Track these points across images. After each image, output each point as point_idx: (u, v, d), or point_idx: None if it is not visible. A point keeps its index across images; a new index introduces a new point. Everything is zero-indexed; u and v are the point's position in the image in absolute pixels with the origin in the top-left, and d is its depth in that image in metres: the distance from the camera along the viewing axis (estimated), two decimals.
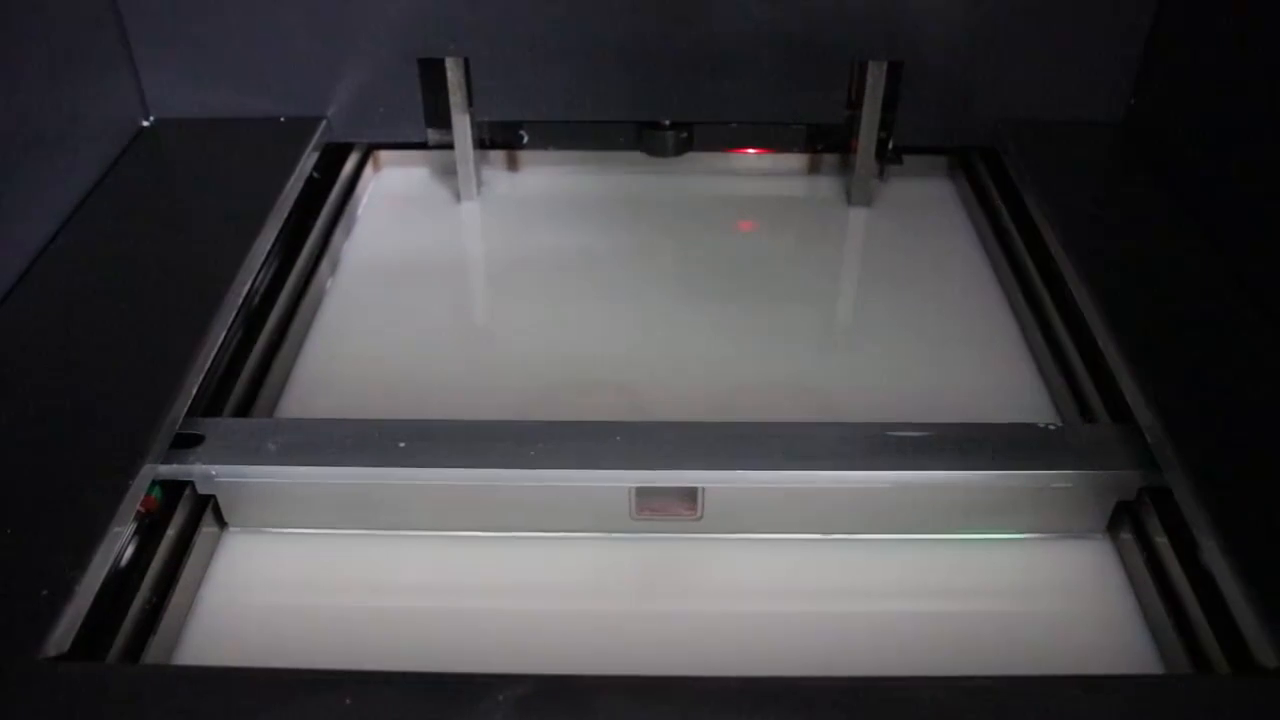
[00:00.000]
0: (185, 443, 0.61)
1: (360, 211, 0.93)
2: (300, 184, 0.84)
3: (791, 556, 0.62)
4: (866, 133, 0.90)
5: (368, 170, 0.96)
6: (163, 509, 0.60)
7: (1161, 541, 0.59)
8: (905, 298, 0.82)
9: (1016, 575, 0.62)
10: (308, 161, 0.86)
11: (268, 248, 0.76)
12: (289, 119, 0.89)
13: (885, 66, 0.87)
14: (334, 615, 0.59)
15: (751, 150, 0.97)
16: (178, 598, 0.57)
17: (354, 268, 0.86)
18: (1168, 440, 0.59)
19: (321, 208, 0.88)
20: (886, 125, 0.91)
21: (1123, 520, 0.62)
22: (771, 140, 0.96)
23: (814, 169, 0.98)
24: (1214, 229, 0.75)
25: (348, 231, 0.90)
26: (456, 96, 0.89)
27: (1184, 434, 0.59)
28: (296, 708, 0.46)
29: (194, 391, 0.63)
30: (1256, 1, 0.72)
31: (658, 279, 0.85)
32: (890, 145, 0.93)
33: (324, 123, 0.89)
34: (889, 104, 0.90)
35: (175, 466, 0.60)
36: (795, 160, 0.97)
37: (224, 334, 0.68)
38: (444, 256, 0.90)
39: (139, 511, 0.57)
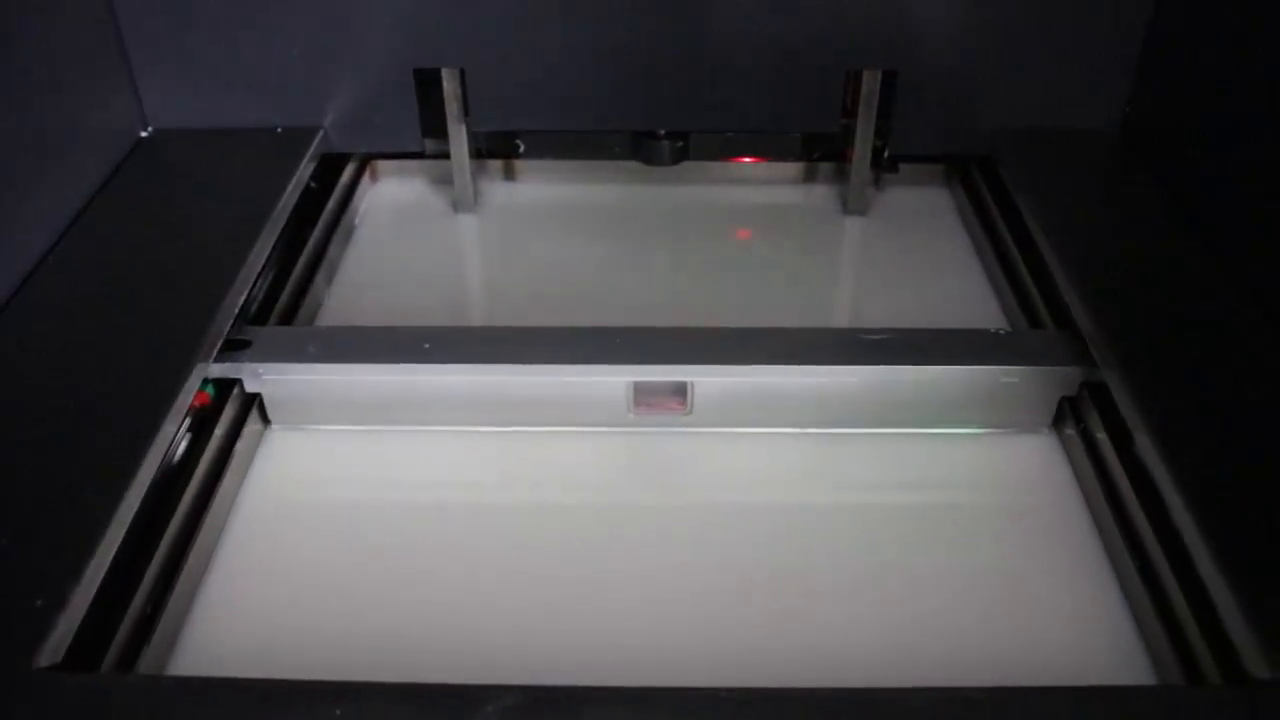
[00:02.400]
0: (234, 346, 0.69)
1: (357, 221, 0.93)
2: (298, 193, 0.84)
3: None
4: (862, 141, 0.90)
5: (365, 180, 0.97)
6: (214, 406, 0.67)
7: (1101, 436, 0.65)
8: (900, 304, 0.83)
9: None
10: (305, 171, 0.86)
11: (265, 256, 0.76)
12: (286, 129, 0.90)
13: (880, 75, 0.88)
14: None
15: (747, 159, 0.97)
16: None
17: (351, 276, 0.87)
18: (1104, 341, 0.66)
19: (319, 217, 0.88)
20: (882, 134, 0.91)
21: (1066, 416, 0.69)
22: (767, 149, 0.97)
23: (810, 177, 0.98)
24: (1211, 234, 0.75)
25: (345, 241, 0.90)
26: (452, 107, 0.89)
27: (1118, 336, 0.66)
28: (287, 719, 0.46)
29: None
30: (1252, 7, 0.73)
31: (654, 287, 0.85)
32: (886, 153, 0.93)
33: (321, 133, 0.90)
34: (884, 112, 0.90)
35: (225, 365, 0.67)
36: (791, 169, 0.98)
37: (219, 343, 0.68)
38: (441, 265, 0.90)
39: (193, 406, 0.64)
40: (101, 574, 0.53)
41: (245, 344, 0.69)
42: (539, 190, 0.98)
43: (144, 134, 0.89)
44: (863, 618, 0.59)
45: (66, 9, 0.79)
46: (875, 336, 0.69)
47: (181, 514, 0.61)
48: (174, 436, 0.62)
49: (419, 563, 0.62)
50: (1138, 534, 0.60)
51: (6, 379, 0.64)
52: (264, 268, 0.77)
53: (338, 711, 0.45)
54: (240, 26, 0.86)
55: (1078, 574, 0.61)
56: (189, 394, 0.63)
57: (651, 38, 0.86)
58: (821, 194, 0.97)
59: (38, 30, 0.75)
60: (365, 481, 0.68)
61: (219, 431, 0.66)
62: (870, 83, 0.88)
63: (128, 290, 0.71)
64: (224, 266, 0.72)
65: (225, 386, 0.68)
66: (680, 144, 0.94)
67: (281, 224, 0.80)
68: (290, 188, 0.82)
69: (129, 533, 0.56)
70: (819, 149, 0.96)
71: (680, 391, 0.68)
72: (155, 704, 0.48)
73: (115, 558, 0.54)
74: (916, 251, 0.90)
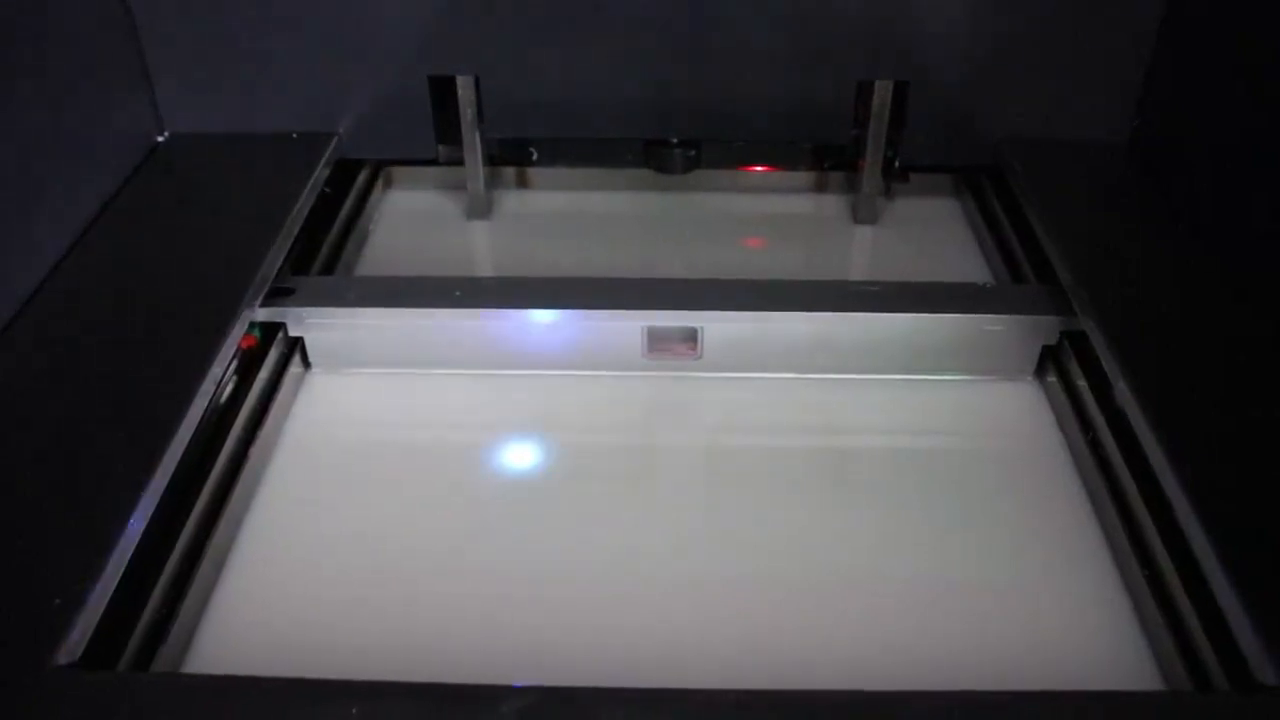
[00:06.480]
0: (279, 293, 0.74)
1: (371, 227, 0.94)
2: (312, 199, 0.85)
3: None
4: (872, 151, 0.91)
5: (379, 186, 0.97)
6: (260, 348, 0.72)
7: (1081, 384, 0.70)
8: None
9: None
10: (320, 177, 0.87)
11: (279, 261, 0.77)
12: (301, 135, 0.90)
13: (891, 86, 0.88)
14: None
15: (759, 168, 0.98)
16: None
17: None
18: (1084, 292, 0.71)
19: (333, 223, 0.89)
20: (892, 144, 0.92)
21: (1048, 365, 0.74)
22: (778, 158, 0.97)
23: (820, 187, 0.99)
24: (1217, 246, 0.75)
25: (359, 246, 0.91)
26: (466, 114, 0.90)
27: (1097, 289, 0.71)
28: (303, 717, 0.47)
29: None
30: (1261, 20, 0.73)
31: None
32: (896, 163, 0.93)
33: (336, 139, 0.91)
34: (895, 123, 0.90)
35: (271, 309, 0.73)
36: (802, 178, 0.98)
37: (235, 347, 0.69)
38: (454, 271, 0.91)
39: (240, 348, 0.70)
40: (141, 529, 0.55)
41: (289, 291, 0.75)
42: (551, 197, 0.98)
43: (160, 139, 0.90)
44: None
45: (84, 14, 0.80)
46: (871, 288, 0.75)
47: (226, 454, 0.65)
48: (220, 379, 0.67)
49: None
50: (1115, 474, 0.65)
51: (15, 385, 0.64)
52: (278, 272, 0.77)
53: (354, 710, 0.46)
54: (256, 33, 0.87)
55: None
56: (233, 342, 0.68)
57: (664, 47, 0.87)
58: (832, 203, 0.98)
59: (55, 35, 0.76)
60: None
61: (263, 375, 0.71)
62: (881, 93, 0.88)
63: (140, 293, 0.71)
64: (238, 270, 0.73)
65: (270, 332, 0.74)
66: (692, 153, 0.94)
67: (296, 229, 0.81)
68: (305, 193, 0.83)
69: (173, 479, 0.59)
70: (830, 159, 0.97)
71: (691, 337, 0.73)
72: (172, 702, 0.48)
73: (155, 514, 0.57)
74: (926, 260, 0.90)
